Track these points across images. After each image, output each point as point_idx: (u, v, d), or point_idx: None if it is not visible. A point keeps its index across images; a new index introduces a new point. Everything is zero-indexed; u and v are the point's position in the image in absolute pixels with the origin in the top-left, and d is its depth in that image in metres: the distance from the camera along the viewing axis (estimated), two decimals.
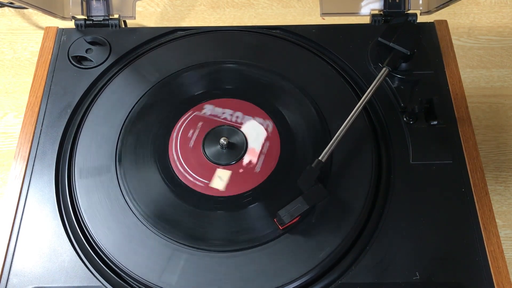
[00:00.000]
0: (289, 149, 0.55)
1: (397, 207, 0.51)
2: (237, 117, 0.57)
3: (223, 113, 0.57)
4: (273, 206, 0.50)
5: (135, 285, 0.49)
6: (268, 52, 0.62)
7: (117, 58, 0.62)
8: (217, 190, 0.52)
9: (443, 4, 0.63)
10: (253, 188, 0.52)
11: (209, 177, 0.53)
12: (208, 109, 0.58)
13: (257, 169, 0.53)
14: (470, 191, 0.53)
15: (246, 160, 0.54)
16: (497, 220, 0.60)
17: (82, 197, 0.52)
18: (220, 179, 0.52)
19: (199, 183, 0.53)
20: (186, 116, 0.57)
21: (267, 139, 0.55)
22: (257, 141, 0.55)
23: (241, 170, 0.53)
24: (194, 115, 0.57)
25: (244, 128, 0.56)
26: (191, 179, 0.53)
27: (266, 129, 0.56)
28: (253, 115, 0.57)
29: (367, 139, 0.55)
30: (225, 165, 0.54)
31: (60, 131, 0.57)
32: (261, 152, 0.55)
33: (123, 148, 0.55)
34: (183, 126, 0.56)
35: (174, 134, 0.56)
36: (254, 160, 0.54)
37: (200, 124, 0.57)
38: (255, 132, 0.56)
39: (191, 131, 0.56)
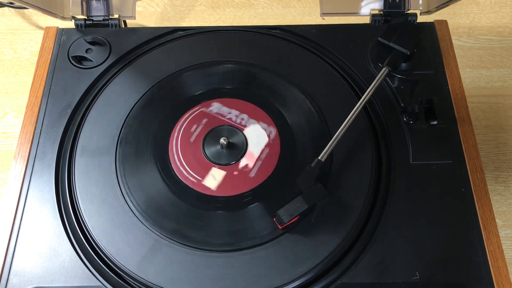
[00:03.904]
0: (289, 149, 0.55)
1: (397, 207, 0.51)
2: (236, 117, 0.57)
3: (223, 113, 0.57)
4: (272, 206, 0.50)
5: (135, 285, 0.49)
6: (268, 52, 0.62)
7: (117, 58, 0.62)
8: (216, 190, 0.52)
9: (443, 4, 0.63)
10: (253, 188, 0.52)
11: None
12: (209, 109, 0.58)
13: (256, 168, 0.53)
14: (470, 191, 0.53)
15: (244, 162, 0.54)
16: (497, 220, 0.60)
17: (82, 197, 0.52)
18: (214, 178, 0.52)
19: (200, 184, 0.53)
20: (186, 116, 0.57)
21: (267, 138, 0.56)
22: (258, 142, 0.55)
23: (235, 173, 0.53)
24: (195, 114, 0.57)
25: (244, 129, 0.56)
26: (193, 179, 0.53)
27: (266, 129, 0.56)
28: (251, 113, 0.57)
29: (367, 139, 0.55)
30: (225, 165, 0.54)
31: (60, 131, 0.57)
32: (261, 151, 0.55)
33: (124, 148, 0.55)
34: (183, 127, 0.56)
35: (173, 135, 0.56)
36: (253, 160, 0.54)
37: (200, 123, 0.57)
38: (255, 132, 0.56)
39: (191, 130, 0.56)
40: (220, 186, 0.52)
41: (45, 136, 0.57)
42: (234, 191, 0.52)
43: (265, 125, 0.56)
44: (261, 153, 0.54)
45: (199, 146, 0.55)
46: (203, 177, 0.53)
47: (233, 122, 0.57)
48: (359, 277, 0.48)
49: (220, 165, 0.54)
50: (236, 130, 0.56)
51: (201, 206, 0.51)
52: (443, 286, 0.48)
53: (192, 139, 0.55)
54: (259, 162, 0.54)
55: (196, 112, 0.58)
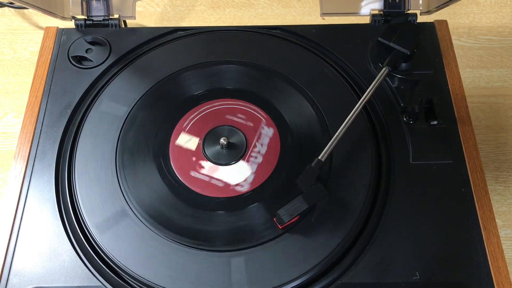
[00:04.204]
0: (289, 149, 0.55)
1: (397, 207, 0.51)
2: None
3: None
4: (272, 206, 0.50)
5: (135, 285, 0.49)
6: (268, 52, 0.62)
7: (117, 58, 0.62)
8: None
9: (443, 4, 0.63)
10: (253, 188, 0.52)
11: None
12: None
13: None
14: (470, 191, 0.53)
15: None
16: (497, 220, 0.60)
17: (82, 197, 0.52)
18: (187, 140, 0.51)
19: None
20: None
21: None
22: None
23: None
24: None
25: (245, 129, 0.56)
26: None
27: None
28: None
29: (367, 139, 0.55)
30: (225, 165, 0.54)
31: (60, 131, 0.57)
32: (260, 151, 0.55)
33: (124, 148, 0.55)
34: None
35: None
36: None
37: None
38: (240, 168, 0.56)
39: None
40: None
41: (45, 136, 0.57)
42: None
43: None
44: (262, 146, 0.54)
45: (199, 146, 0.55)
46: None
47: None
48: (359, 277, 0.48)
49: (220, 165, 0.54)
50: (236, 130, 0.56)
51: (201, 206, 0.51)
52: (443, 286, 0.48)
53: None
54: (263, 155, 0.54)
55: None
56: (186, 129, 0.56)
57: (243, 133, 0.56)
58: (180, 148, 0.55)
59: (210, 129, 0.56)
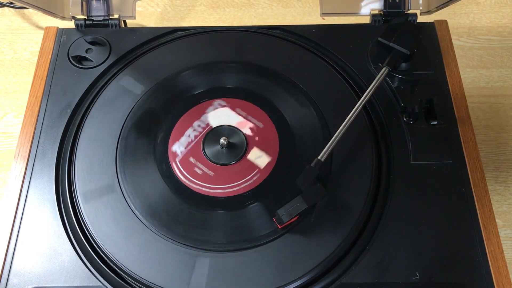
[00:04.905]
0: (288, 149, 0.55)
1: (397, 207, 0.51)
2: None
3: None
4: (272, 206, 0.50)
5: (135, 285, 0.49)
6: (268, 52, 0.62)
7: (117, 58, 0.62)
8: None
9: (443, 4, 0.63)
10: (252, 188, 0.52)
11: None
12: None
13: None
14: (470, 191, 0.53)
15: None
16: (497, 220, 0.60)
17: (82, 197, 0.52)
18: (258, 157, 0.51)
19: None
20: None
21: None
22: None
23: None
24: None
25: (245, 129, 0.56)
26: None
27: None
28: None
29: (367, 139, 0.55)
30: (225, 165, 0.54)
31: (60, 131, 0.57)
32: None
33: (124, 148, 0.55)
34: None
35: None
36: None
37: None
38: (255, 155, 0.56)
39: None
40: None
41: (45, 136, 0.57)
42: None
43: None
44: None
45: (199, 146, 0.55)
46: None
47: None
48: (359, 277, 0.48)
49: (219, 165, 0.54)
50: (236, 130, 0.56)
51: (201, 206, 0.51)
52: (443, 286, 0.48)
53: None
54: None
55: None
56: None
57: (243, 133, 0.56)
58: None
59: (210, 129, 0.56)
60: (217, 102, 0.56)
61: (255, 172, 0.53)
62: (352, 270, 0.48)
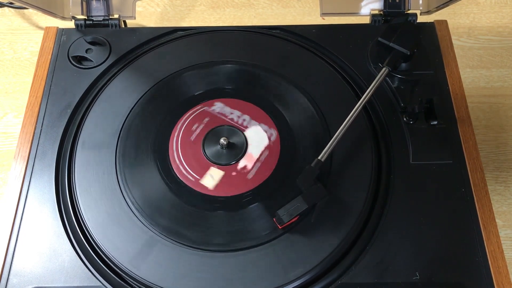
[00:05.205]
0: (288, 148, 0.55)
1: (397, 207, 0.51)
2: (237, 117, 0.57)
3: (224, 113, 0.57)
4: (272, 206, 0.50)
5: (135, 285, 0.49)
6: (268, 52, 0.62)
7: (117, 58, 0.62)
8: (215, 190, 0.52)
9: (443, 4, 0.63)
10: (252, 188, 0.52)
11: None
12: (209, 109, 0.58)
13: (256, 169, 0.54)
14: (470, 191, 0.53)
15: (243, 162, 0.54)
16: (497, 220, 0.60)
17: (82, 197, 0.52)
18: (212, 178, 0.52)
19: (200, 184, 0.53)
20: (186, 116, 0.57)
21: (267, 138, 0.56)
22: (258, 144, 0.55)
23: (234, 173, 0.53)
24: (193, 116, 0.57)
25: (245, 130, 0.56)
26: (193, 179, 0.53)
27: (267, 130, 0.56)
28: (250, 113, 0.57)
29: (367, 139, 0.55)
30: (225, 165, 0.54)
31: (60, 131, 0.57)
32: (261, 153, 0.55)
33: (124, 148, 0.55)
34: (183, 127, 0.57)
35: (173, 135, 0.56)
36: (253, 161, 0.54)
37: (200, 123, 0.57)
38: (256, 133, 0.56)
39: (191, 130, 0.56)
40: (218, 186, 0.52)
41: (45, 136, 0.57)
42: (233, 191, 0.52)
43: (266, 127, 0.56)
44: (261, 154, 0.54)
45: (199, 146, 0.55)
46: (202, 176, 0.53)
47: (233, 122, 0.57)
48: (359, 277, 0.48)
49: (220, 165, 0.54)
50: (236, 130, 0.56)
51: (202, 206, 0.51)
52: (443, 286, 0.48)
53: (192, 139, 0.55)
54: (258, 163, 0.54)
55: (196, 112, 0.58)
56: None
57: (243, 133, 0.56)
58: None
59: (210, 129, 0.56)
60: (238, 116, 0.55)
61: (255, 172, 0.53)
62: (352, 270, 0.48)
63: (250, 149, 0.55)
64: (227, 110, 0.58)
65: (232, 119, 0.57)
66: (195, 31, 0.65)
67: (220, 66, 0.61)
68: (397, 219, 0.51)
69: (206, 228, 0.50)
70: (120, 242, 0.49)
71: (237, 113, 0.57)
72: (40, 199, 0.53)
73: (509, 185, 0.73)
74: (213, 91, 0.59)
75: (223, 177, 0.53)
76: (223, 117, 0.57)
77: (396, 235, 0.50)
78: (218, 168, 0.54)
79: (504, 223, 0.70)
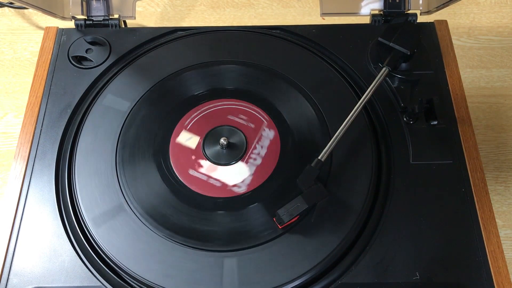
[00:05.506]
0: (289, 149, 0.55)
1: (397, 207, 0.51)
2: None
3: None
4: (273, 206, 0.50)
5: (135, 285, 0.49)
6: (268, 52, 0.62)
7: (117, 58, 0.62)
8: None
9: (443, 4, 0.63)
10: (253, 188, 0.52)
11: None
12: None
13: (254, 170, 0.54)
14: (470, 191, 0.53)
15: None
16: (497, 220, 0.60)
17: (82, 197, 0.52)
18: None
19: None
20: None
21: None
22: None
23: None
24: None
25: (245, 129, 0.56)
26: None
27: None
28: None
29: (367, 139, 0.55)
30: (225, 165, 0.54)
31: (60, 131, 0.57)
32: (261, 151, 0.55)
33: (124, 148, 0.55)
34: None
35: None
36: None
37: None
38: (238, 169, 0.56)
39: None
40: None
41: (45, 136, 0.57)
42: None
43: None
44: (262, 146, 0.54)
45: (199, 146, 0.55)
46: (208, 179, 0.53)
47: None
48: (359, 277, 0.48)
49: (220, 165, 0.54)
50: (236, 130, 0.56)
51: (201, 206, 0.51)
52: (443, 286, 0.48)
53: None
54: (263, 155, 0.54)
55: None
56: (187, 128, 0.56)
57: (243, 133, 0.56)
58: (180, 147, 0.55)
59: (211, 129, 0.56)
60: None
61: (255, 172, 0.53)
62: (352, 270, 0.48)
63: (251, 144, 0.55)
64: (227, 110, 0.58)
65: (232, 119, 0.57)
66: (195, 31, 0.65)
67: (220, 66, 0.61)
68: (397, 219, 0.51)
69: (206, 228, 0.50)
70: (120, 242, 0.49)
71: (237, 113, 0.57)
72: (40, 199, 0.53)
73: (509, 185, 0.73)
74: (213, 91, 0.59)
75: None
76: (223, 117, 0.57)
77: (396, 235, 0.50)
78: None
79: (504, 223, 0.70)
